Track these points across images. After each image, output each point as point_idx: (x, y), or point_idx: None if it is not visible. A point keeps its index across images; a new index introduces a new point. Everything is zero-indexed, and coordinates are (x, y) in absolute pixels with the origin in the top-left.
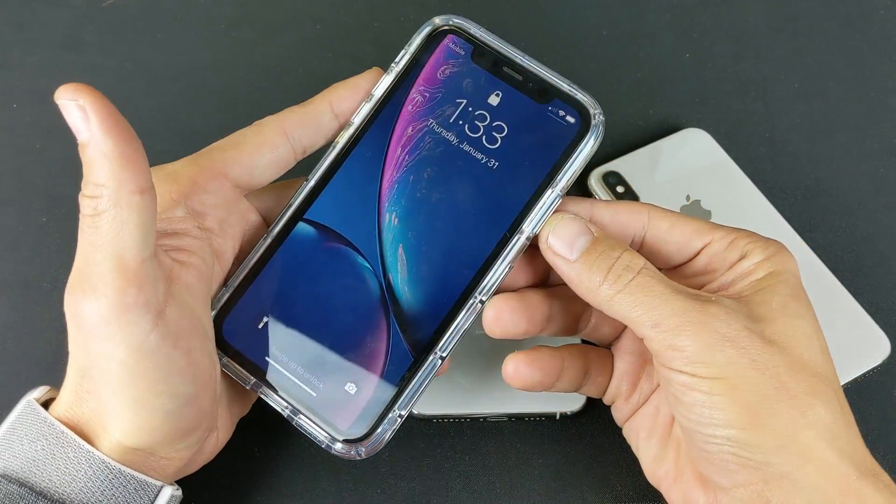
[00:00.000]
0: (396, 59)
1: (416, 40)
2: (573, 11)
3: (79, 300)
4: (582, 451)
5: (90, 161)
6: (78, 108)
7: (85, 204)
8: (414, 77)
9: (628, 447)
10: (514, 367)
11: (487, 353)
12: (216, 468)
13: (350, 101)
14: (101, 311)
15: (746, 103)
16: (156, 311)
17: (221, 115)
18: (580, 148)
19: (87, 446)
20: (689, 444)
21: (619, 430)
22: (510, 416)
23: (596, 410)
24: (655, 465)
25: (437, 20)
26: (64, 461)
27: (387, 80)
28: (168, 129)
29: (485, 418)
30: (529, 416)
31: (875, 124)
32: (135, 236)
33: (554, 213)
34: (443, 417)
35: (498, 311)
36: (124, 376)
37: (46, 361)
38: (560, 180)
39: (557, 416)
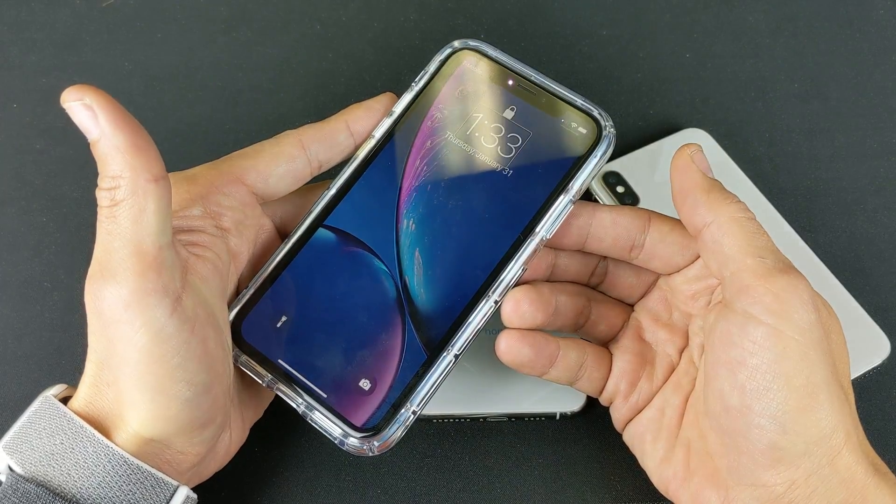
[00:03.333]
0: (416, 79)
1: (435, 62)
2: (573, 11)
3: (99, 287)
4: (582, 451)
5: (104, 156)
6: (84, 107)
7: (102, 196)
8: (433, 95)
9: (628, 447)
10: (507, 342)
11: (487, 352)
12: None
13: (366, 121)
14: (121, 295)
15: (746, 103)
16: (174, 297)
17: (220, 115)
18: (592, 156)
19: (106, 441)
20: (721, 431)
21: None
22: (510, 416)
23: (596, 410)
24: (663, 468)
25: (457, 44)
26: (83, 455)
27: (407, 98)
28: (167, 129)
29: (485, 418)
30: (529, 416)
31: (875, 124)
32: (152, 223)
33: None
34: (443, 417)
35: (517, 302)
36: (144, 361)
37: (46, 361)
38: (573, 186)
39: (557, 417)
